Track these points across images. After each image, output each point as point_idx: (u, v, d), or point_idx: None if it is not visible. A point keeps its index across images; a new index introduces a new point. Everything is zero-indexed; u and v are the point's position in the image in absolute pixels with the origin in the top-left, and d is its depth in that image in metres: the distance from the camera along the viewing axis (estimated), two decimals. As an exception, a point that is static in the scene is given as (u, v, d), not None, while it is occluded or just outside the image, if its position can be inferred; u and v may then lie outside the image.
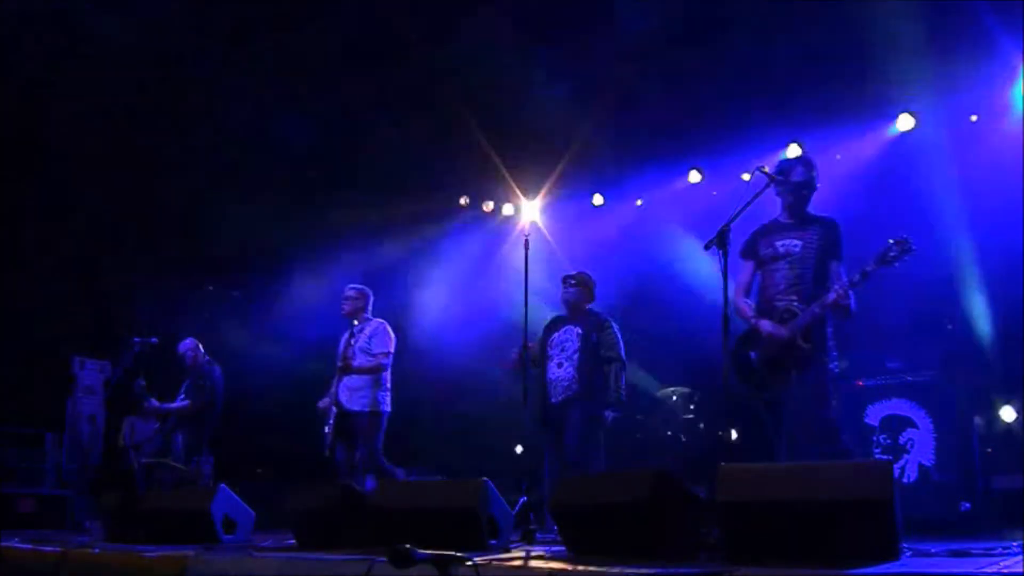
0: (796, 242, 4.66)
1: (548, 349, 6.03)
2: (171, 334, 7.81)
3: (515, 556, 3.62)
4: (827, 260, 4.62)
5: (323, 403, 6.53)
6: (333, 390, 6.43)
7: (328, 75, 8.89)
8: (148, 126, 8.93)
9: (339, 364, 6.47)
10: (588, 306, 6.10)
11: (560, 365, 5.93)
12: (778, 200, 4.79)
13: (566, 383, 5.86)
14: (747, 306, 4.77)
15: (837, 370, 4.57)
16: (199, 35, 8.25)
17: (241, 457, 8.85)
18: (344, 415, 6.37)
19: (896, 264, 4.27)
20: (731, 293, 4.69)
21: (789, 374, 4.53)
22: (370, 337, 6.54)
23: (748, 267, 4.85)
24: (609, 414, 5.80)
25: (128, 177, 9.07)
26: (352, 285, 6.78)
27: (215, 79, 8.62)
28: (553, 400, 5.89)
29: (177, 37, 8.20)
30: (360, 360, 6.46)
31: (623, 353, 5.93)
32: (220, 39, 8.37)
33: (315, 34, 8.28)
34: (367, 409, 6.39)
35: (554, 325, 6.16)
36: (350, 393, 6.42)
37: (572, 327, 6.01)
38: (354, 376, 6.43)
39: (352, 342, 6.50)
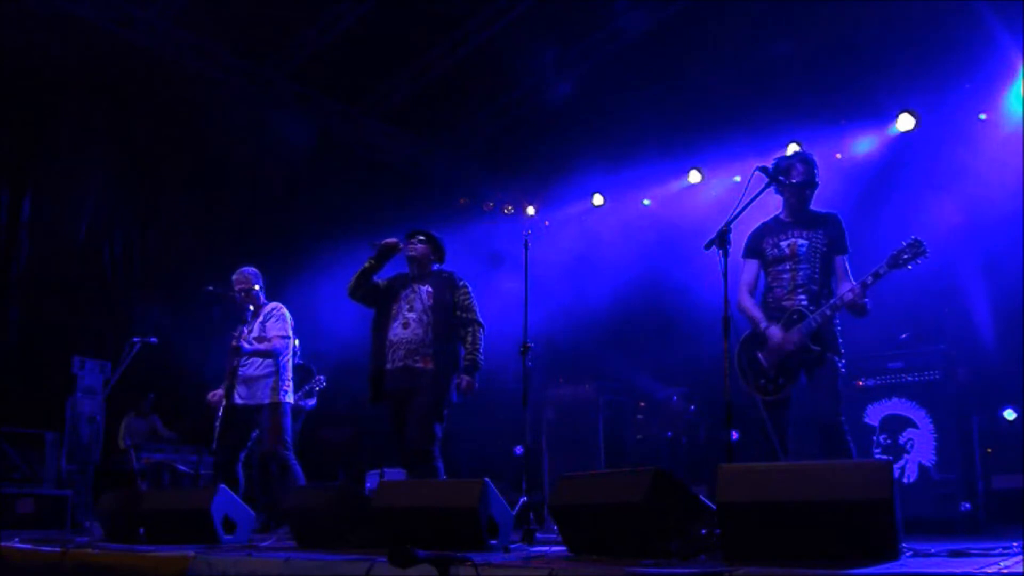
0: (802, 241, 4.63)
1: (391, 306, 5.36)
2: (171, 334, 7.80)
3: (515, 556, 3.62)
4: (833, 255, 4.61)
5: (214, 395, 6.06)
6: (227, 383, 5.99)
7: (329, 75, 8.91)
8: (149, 125, 8.94)
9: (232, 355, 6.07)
10: (435, 266, 5.52)
11: (406, 325, 5.25)
12: (779, 199, 4.76)
13: (414, 346, 5.21)
14: (755, 307, 4.71)
15: (844, 370, 4.55)
16: (199, 35, 8.27)
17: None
18: (237, 409, 5.94)
19: (909, 266, 4.27)
20: (736, 292, 4.68)
21: (799, 375, 4.52)
22: (263, 322, 6.11)
23: (752, 266, 4.80)
24: (464, 378, 5.20)
25: (128, 175, 9.08)
26: (240, 269, 6.31)
27: (218, 82, 8.64)
28: (389, 366, 5.23)
29: (178, 38, 8.22)
30: (254, 346, 6.03)
31: (480, 315, 5.37)
32: (220, 41, 8.40)
33: (316, 35, 8.31)
34: (266, 401, 5.95)
35: (397, 283, 5.48)
36: (247, 386, 5.98)
37: (420, 285, 5.37)
38: (250, 366, 5.99)
39: (247, 330, 6.12)
